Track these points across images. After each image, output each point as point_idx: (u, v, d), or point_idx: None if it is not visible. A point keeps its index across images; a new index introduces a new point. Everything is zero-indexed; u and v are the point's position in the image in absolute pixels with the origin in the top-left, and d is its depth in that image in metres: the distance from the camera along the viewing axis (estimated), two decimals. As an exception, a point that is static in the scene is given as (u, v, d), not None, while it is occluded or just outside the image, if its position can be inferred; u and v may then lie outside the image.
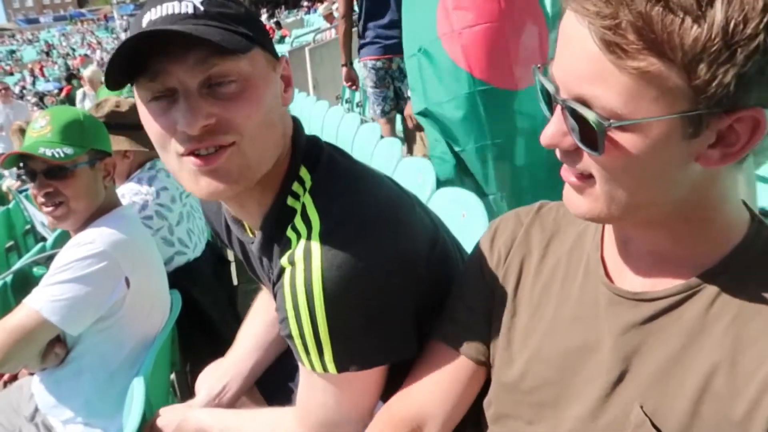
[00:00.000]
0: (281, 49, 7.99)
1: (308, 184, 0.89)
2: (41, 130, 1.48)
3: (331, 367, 0.85)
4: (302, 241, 0.84)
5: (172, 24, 0.76)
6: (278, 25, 17.37)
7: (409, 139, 4.14)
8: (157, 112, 0.80)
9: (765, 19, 0.50)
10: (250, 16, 0.84)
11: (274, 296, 0.91)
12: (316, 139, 0.96)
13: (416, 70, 2.42)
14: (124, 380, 1.42)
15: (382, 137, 3.32)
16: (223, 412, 1.19)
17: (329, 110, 4.64)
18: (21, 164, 1.49)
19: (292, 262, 0.84)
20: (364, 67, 3.96)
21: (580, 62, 0.57)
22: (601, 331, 0.71)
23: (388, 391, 0.93)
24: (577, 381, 0.72)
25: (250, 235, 0.98)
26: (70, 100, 10.26)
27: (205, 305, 2.08)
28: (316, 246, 0.83)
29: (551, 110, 0.64)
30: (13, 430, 1.54)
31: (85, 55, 30.19)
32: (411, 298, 0.88)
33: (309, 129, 0.97)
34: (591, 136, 0.58)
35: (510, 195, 2.30)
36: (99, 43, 43.31)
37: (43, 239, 3.07)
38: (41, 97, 15.56)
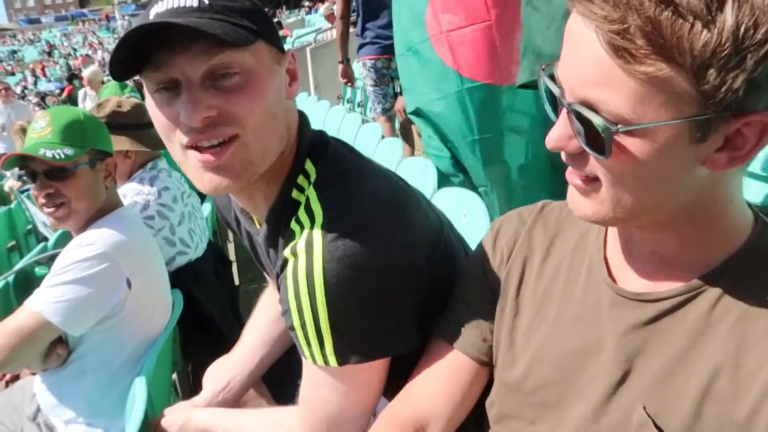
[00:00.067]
0: (282, 49, 7.92)
1: (313, 177, 0.90)
2: (41, 131, 1.48)
3: (332, 359, 0.86)
4: (305, 233, 0.85)
5: (176, 17, 0.77)
6: (279, 24, 17.38)
7: (405, 133, 4.20)
8: (162, 103, 0.82)
9: None
10: (255, 9, 0.84)
11: (278, 288, 0.92)
12: (322, 134, 0.97)
13: (406, 69, 2.51)
14: (126, 380, 1.43)
15: (383, 137, 3.33)
16: (226, 412, 1.19)
17: (330, 110, 4.65)
18: (22, 165, 1.49)
19: (294, 254, 0.85)
20: (363, 66, 4.01)
21: (587, 66, 0.56)
22: (604, 332, 0.71)
23: (389, 388, 0.93)
24: (579, 381, 0.72)
25: (258, 227, 1.00)
26: (71, 100, 10.27)
27: (207, 305, 2.08)
28: (318, 238, 0.83)
29: (556, 113, 0.64)
30: (15, 429, 1.55)
31: (87, 55, 30.22)
32: (412, 292, 0.88)
33: (309, 129, 0.97)
34: (597, 139, 0.57)
35: (500, 188, 2.38)
36: (101, 43, 43.33)
37: (45, 239, 3.08)
38: (43, 97, 15.56)
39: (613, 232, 0.75)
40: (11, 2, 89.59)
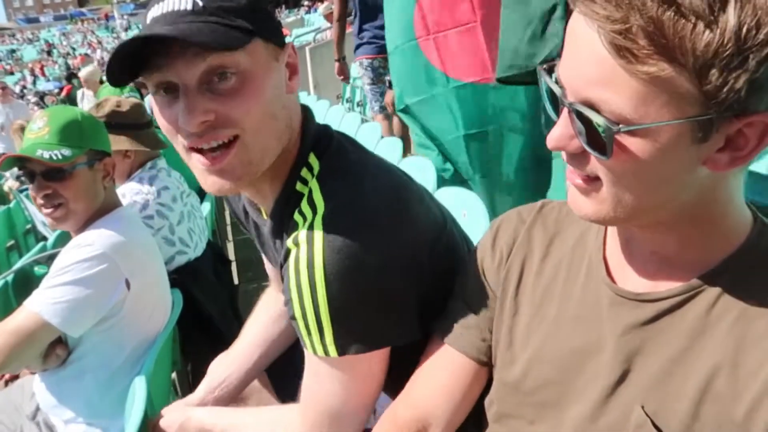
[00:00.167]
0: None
1: (316, 170, 0.91)
2: (39, 132, 1.47)
3: (331, 349, 0.86)
4: (307, 224, 0.86)
5: (171, 21, 0.79)
6: (278, 24, 17.31)
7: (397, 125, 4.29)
8: (162, 105, 0.83)
9: None
10: (251, 6, 0.84)
11: (282, 279, 0.94)
12: (327, 128, 0.98)
13: (395, 68, 2.64)
14: (125, 380, 1.43)
15: (382, 137, 3.33)
16: (225, 411, 1.19)
17: (330, 109, 4.66)
18: (20, 165, 1.48)
19: (296, 244, 0.86)
20: (360, 65, 4.12)
21: (589, 66, 0.56)
22: (603, 332, 0.71)
23: (389, 382, 0.93)
24: (578, 381, 0.72)
25: (265, 218, 1.01)
26: (70, 99, 10.26)
27: (206, 304, 2.08)
28: (319, 229, 0.85)
29: (557, 112, 0.64)
30: (14, 429, 1.55)
31: (86, 54, 30.19)
32: (412, 285, 0.89)
33: (310, 128, 0.98)
34: (599, 139, 0.57)
35: (487, 179, 2.50)
36: (99, 42, 43.29)
37: (44, 238, 3.07)
38: (42, 96, 15.54)
39: (612, 231, 0.75)
40: (10, 1, 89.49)
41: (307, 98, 6.03)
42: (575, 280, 0.76)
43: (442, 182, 2.37)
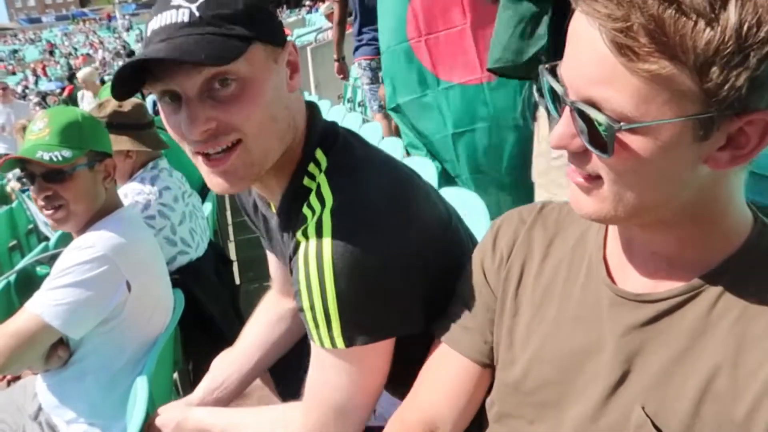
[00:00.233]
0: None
1: (324, 165, 0.93)
2: (39, 133, 1.47)
3: (339, 341, 0.88)
4: (316, 217, 0.88)
5: (169, 35, 0.81)
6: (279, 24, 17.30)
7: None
8: (168, 112, 0.86)
9: None
10: (248, 11, 0.85)
11: (291, 272, 0.95)
12: (333, 124, 1.01)
13: (388, 68, 2.77)
14: (127, 381, 1.43)
15: (383, 137, 3.33)
16: (224, 411, 1.19)
17: (331, 109, 4.66)
18: (21, 167, 1.48)
19: (306, 237, 0.88)
20: (359, 66, 4.21)
21: (590, 64, 0.56)
22: (603, 332, 0.71)
23: (391, 379, 0.94)
24: (578, 382, 0.72)
25: (273, 212, 1.03)
26: (72, 99, 10.27)
27: (208, 304, 2.08)
28: (327, 221, 0.87)
29: (559, 111, 0.64)
30: (17, 428, 1.55)
31: (88, 54, 30.21)
32: (417, 277, 0.90)
33: (311, 128, 0.98)
34: (600, 138, 0.58)
35: (476, 177, 2.62)
36: (101, 42, 43.33)
37: (46, 238, 3.08)
38: (44, 96, 15.55)
39: (613, 232, 0.75)
40: (12, 1, 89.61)
41: (308, 98, 6.02)
42: (575, 281, 0.76)
43: (443, 182, 2.38)
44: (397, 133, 4.37)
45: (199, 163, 0.87)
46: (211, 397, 1.27)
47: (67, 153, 1.44)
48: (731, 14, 0.50)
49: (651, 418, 0.64)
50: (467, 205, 1.72)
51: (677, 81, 0.53)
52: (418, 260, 0.90)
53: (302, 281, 0.88)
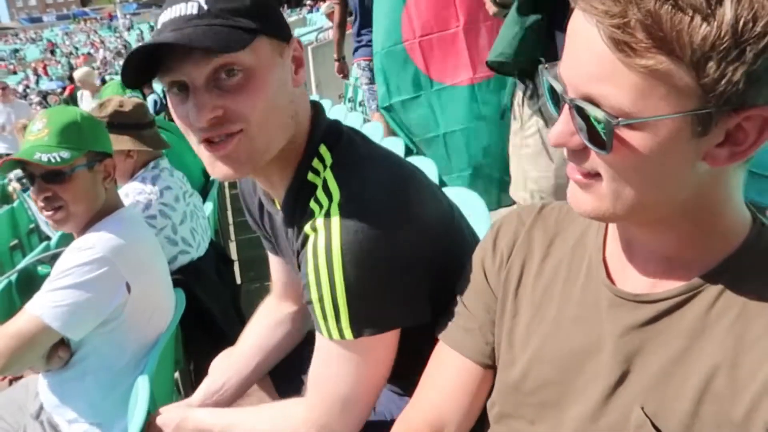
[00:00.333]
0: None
1: (328, 161, 0.95)
2: (38, 134, 1.46)
3: (347, 332, 0.89)
4: (324, 211, 0.90)
5: (178, 26, 0.84)
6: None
7: None
8: (175, 102, 0.88)
9: None
10: (255, 5, 0.88)
11: (298, 266, 0.97)
12: (337, 122, 1.03)
13: (381, 68, 2.89)
14: (128, 381, 1.43)
15: (384, 137, 3.34)
16: (224, 411, 1.19)
17: (332, 109, 4.67)
18: (22, 167, 1.48)
19: (314, 230, 0.90)
20: (358, 66, 4.28)
21: (588, 61, 0.57)
22: (603, 333, 0.71)
23: (397, 372, 0.95)
24: (578, 382, 0.72)
25: (278, 208, 1.05)
26: (73, 99, 10.29)
27: (209, 304, 2.09)
28: (335, 213, 0.89)
29: (559, 110, 0.64)
30: (18, 428, 1.55)
31: (89, 53, 30.22)
32: (423, 269, 0.92)
33: (312, 128, 0.99)
34: (599, 134, 0.58)
35: (467, 174, 2.75)
36: (102, 42, 43.34)
37: (47, 238, 3.09)
38: (45, 96, 15.58)
39: (613, 232, 0.75)
40: (13, 1, 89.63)
41: (309, 98, 6.02)
42: (575, 281, 0.77)
43: (443, 183, 2.40)
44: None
45: (203, 151, 0.90)
46: (210, 400, 1.28)
47: (65, 154, 1.43)
48: (727, 10, 0.50)
49: (650, 419, 0.65)
50: (469, 205, 1.72)
51: (674, 76, 0.53)
52: (424, 252, 0.92)
53: (311, 273, 0.90)
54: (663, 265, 0.68)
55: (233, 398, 1.29)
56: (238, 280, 3.32)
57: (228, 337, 1.53)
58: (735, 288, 0.63)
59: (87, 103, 7.11)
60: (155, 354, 1.47)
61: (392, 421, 0.91)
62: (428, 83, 2.76)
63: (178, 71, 0.85)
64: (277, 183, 1.00)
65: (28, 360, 1.41)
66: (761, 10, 0.50)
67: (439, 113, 2.77)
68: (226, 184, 5.17)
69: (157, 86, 9.63)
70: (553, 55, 1.80)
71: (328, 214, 0.89)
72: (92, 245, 1.38)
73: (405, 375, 0.94)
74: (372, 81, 4.27)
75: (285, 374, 1.34)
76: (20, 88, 20.76)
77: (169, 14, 0.86)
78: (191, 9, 0.85)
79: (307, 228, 0.92)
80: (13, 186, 4.40)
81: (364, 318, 0.89)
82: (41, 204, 1.45)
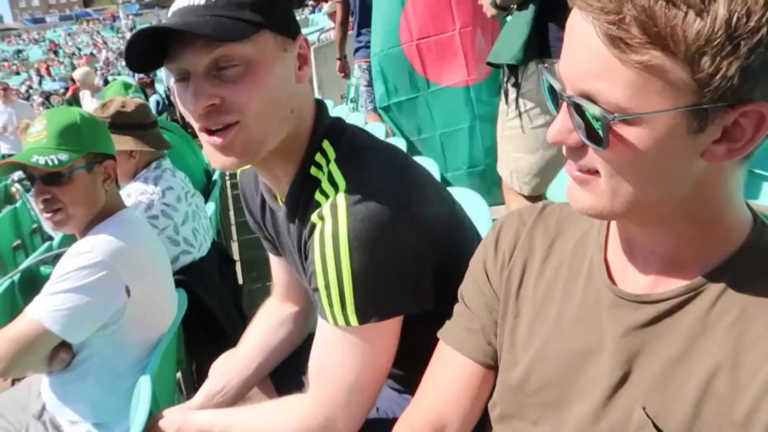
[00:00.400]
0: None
1: (332, 155, 0.97)
2: (38, 136, 1.45)
3: (353, 318, 0.91)
4: (330, 200, 0.92)
5: (185, 15, 0.88)
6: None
7: None
8: (180, 91, 0.91)
9: None
10: (262, 0, 0.90)
11: (304, 257, 0.99)
12: (340, 119, 1.04)
13: (380, 70, 3.01)
14: (129, 382, 1.42)
15: (387, 136, 3.35)
16: (225, 411, 1.19)
17: (334, 109, 4.68)
18: (22, 168, 1.48)
19: (321, 217, 0.92)
20: (359, 68, 4.34)
21: (585, 58, 0.57)
22: (604, 334, 0.71)
23: (400, 370, 0.96)
24: (579, 383, 0.72)
25: (280, 204, 1.06)
26: (76, 99, 10.29)
27: (211, 304, 2.09)
28: (342, 201, 0.90)
29: (557, 108, 0.64)
30: (20, 427, 1.56)
31: (91, 54, 30.28)
32: (427, 257, 0.94)
33: (313, 129, 1.01)
34: (596, 131, 0.58)
35: (462, 172, 2.86)
36: (105, 42, 43.43)
37: (50, 238, 3.09)
38: (47, 96, 15.59)
39: (614, 233, 0.75)
40: (16, 1, 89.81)
41: (311, 98, 6.03)
42: (576, 282, 0.76)
43: (444, 183, 2.44)
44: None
45: (204, 140, 0.92)
46: (211, 403, 1.28)
47: (63, 156, 1.42)
48: (720, 5, 0.50)
49: (652, 419, 0.64)
50: (470, 205, 1.72)
51: (669, 72, 0.53)
52: (428, 239, 0.94)
53: (318, 260, 0.91)
54: (664, 265, 0.68)
55: (234, 400, 1.29)
56: (240, 281, 3.33)
57: (230, 338, 1.53)
58: (735, 288, 0.63)
59: (87, 102, 7.15)
60: (157, 354, 1.47)
61: (394, 420, 0.91)
62: (425, 84, 2.87)
63: (181, 59, 0.87)
64: (280, 177, 1.01)
65: (29, 363, 1.42)
66: (754, 6, 0.50)
67: (436, 114, 2.88)
68: (228, 184, 5.17)
69: (160, 87, 9.64)
70: (543, 47, 1.94)
71: (334, 203, 0.90)
72: (91, 249, 1.37)
73: (407, 374, 0.95)
74: (370, 83, 4.33)
75: (286, 376, 1.34)
76: (23, 89, 20.78)
77: (178, 4, 0.89)
78: (199, 0, 0.88)
79: (314, 217, 0.93)
80: (16, 186, 4.41)
81: (370, 304, 0.90)
82: (41, 206, 1.45)
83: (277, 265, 1.33)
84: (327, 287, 0.91)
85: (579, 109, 0.59)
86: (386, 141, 1.07)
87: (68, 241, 2.18)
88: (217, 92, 0.87)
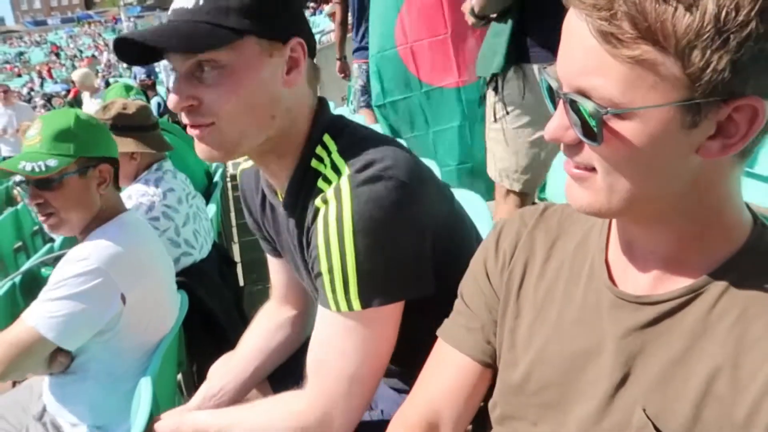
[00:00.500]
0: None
1: (333, 147, 0.98)
2: (32, 140, 1.45)
3: (355, 303, 0.91)
4: (334, 185, 0.93)
5: (175, 17, 0.91)
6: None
7: None
8: (171, 87, 0.95)
9: (757, 7, 0.51)
10: (249, 5, 0.90)
11: (306, 245, 1.00)
12: (341, 116, 1.08)
13: (376, 70, 3.15)
14: (129, 385, 1.42)
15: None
16: (221, 411, 1.19)
17: (335, 110, 4.67)
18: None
19: (325, 201, 0.93)
20: (358, 68, 4.43)
21: (580, 55, 0.58)
22: (604, 335, 0.71)
23: (398, 368, 0.96)
24: (580, 384, 0.72)
25: (280, 199, 1.06)
26: (77, 101, 10.32)
27: (212, 306, 2.09)
28: (345, 185, 0.91)
29: (555, 106, 0.65)
30: (20, 429, 1.56)
31: (93, 56, 30.33)
32: (429, 241, 0.95)
33: (315, 129, 1.03)
34: (591, 127, 0.59)
35: (452, 168, 3.00)
36: (106, 45, 43.49)
37: (51, 240, 3.10)
38: (49, 98, 15.63)
39: (615, 234, 0.75)
40: (18, 4, 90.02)
41: (312, 99, 6.03)
42: (577, 283, 0.76)
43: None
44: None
45: (188, 130, 0.96)
46: (207, 405, 1.27)
47: (52, 162, 1.40)
48: (709, 2, 0.51)
49: (652, 420, 0.64)
50: (469, 205, 1.73)
51: (661, 66, 0.54)
52: (430, 225, 0.95)
53: (321, 244, 0.92)
54: (664, 266, 0.68)
55: (231, 403, 1.28)
56: (241, 282, 3.33)
57: (230, 339, 1.53)
58: (736, 290, 0.63)
59: (87, 103, 7.19)
60: (158, 356, 1.47)
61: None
62: (418, 85, 3.01)
63: (170, 58, 0.92)
64: (277, 172, 1.03)
65: (27, 367, 1.42)
66: (743, 0, 0.51)
67: (428, 113, 3.02)
68: (229, 186, 5.18)
69: (161, 89, 9.67)
70: (522, 54, 2.08)
71: (338, 186, 0.91)
72: (87, 255, 1.37)
73: (407, 371, 0.95)
74: (366, 83, 4.44)
75: (284, 379, 1.33)
76: (25, 91, 20.84)
77: (175, 3, 0.92)
78: (189, 2, 0.90)
79: (317, 202, 0.94)
80: (18, 189, 4.42)
81: (373, 287, 0.91)
82: (35, 210, 1.45)
83: (275, 267, 1.33)
84: (330, 271, 0.91)
85: (575, 106, 0.60)
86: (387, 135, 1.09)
87: (69, 243, 2.19)
88: (195, 93, 0.91)
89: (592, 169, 0.63)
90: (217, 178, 3.24)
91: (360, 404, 0.97)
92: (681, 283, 0.66)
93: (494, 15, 2.11)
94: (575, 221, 0.82)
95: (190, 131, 0.95)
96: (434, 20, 2.90)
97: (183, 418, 1.20)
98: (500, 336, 0.84)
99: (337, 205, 0.90)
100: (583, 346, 0.73)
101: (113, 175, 1.53)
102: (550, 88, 0.65)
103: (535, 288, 0.81)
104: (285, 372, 1.34)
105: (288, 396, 1.04)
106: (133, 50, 0.92)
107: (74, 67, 27.19)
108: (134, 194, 2.01)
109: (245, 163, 1.24)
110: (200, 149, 0.96)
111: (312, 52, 1.01)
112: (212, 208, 2.65)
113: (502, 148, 2.23)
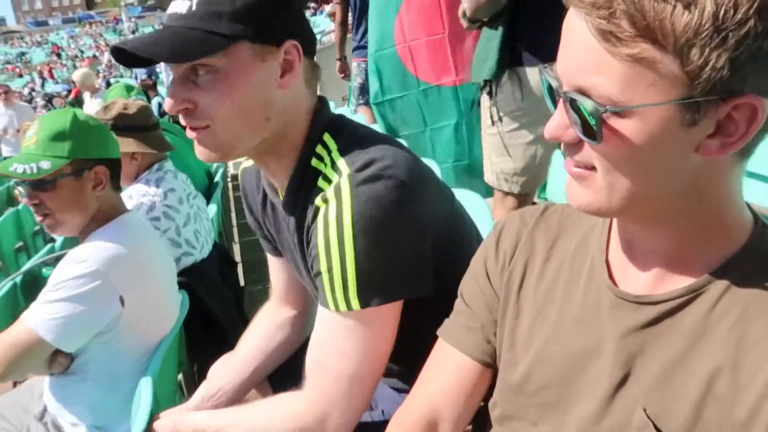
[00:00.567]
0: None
1: (333, 146, 0.98)
2: (29, 141, 1.45)
3: (354, 303, 0.91)
4: (334, 183, 0.93)
5: (169, 23, 0.92)
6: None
7: None
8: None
9: (755, 5, 0.51)
10: (242, 10, 0.91)
11: (306, 243, 1.00)
12: (342, 115, 1.07)
13: (375, 68, 3.21)
14: (129, 385, 1.42)
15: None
16: (220, 411, 1.19)
17: (335, 111, 4.68)
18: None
19: (325, 200, 0.93)
20: (357, 66, 4.50)
21: (579, 54, 0.58)
22: (604, 335, 0.71)
23: (398, 368, 0.96)
24: (580, 383, 0.72)
25: (280, 198, 1.07)
26: (78, 102, 10.33)
27: (212, 306, 2.09)
28: (345, 184, 0.91)
29: (555, 105, 0.65)
30: (21, 428, 1.56)
31: (94, 56, 30.37)
32: (429, 242, 0.95)
33: (315, 128, 1.03)
34: (591, 126, 0.59)
35: (448, 165, 3.03)
36: (107, 45, 43.52)
37: (52, 240, 3.10)
38: (50, 98, 15.64)
39: (616, 234, 0.75)
40: (19, 4, 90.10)
41: (313, 100, 6.04)
42: (577, 283, 0.76)
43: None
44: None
45: (189, 132, 0.97)
46: (206, 405, 1.27)
47: (45, 164, 1.40)
48: (708, 1, 0.51)
49: (652, 420, 0.64)
50: (469, 205, 1.73)
51: (660, 64, 0.54)
52: (430, 224, 0.95)
53: (321, 243, 0.92)
54: (664, 266, 0.68)
55: (230, 403, 1.27)
56: (242, 282, 3.34)
57: (231, 339, 1.53)
58: (736, 289, 0.63)
59: (88, 103, 7.22)
60: (158, 356, 1.47)
61: None
62: (416, 83, 3.07)
63: (166, 62, 0.94)
64: (277, 171, 1.03)
65: (26, 368, 1.42)
66: None
67: (426, 110, 3.08)
68: (230, 186, 5.18)
69: (162, 89, 9.68)
70: (516, 58, 2.12)
71: (338, 185, 0.92)
72: (86, 257, 1.37)
73: (406, 371, 0.95)
74: (364, 82, 4.48)
75: (284, 380, 1.33)
76: (26, 91, 20.88)
77: (171, 8, 0.93)
78: (182, 8, 0.91)
79: (317, 200, 0.94)
80: (18, 189, 4.42)
81: (372, 286, 0.91)
82: (33, 210, 1.45)
83: (276, 266, 1.33)
84: (330, 270, 0.91)
85: (574, 105, 0.60)
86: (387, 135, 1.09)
87: (70, 243, 2.19)
88: (190, 97, 0.92)
89: (592, 168, 0.63)
90: (217, 178, 3.24)
91: (359, 404, 0.97)
92: (681, 282, 0.66)
93: (486, 19, 2.14)
94: (575, 221, 0.82)
95: (189, 133, 0.96)
96: (432, 20, 2.95)
97: (182, 418, 1.20)
98: (500, 336, 0.84)
99: (337, 204, 0.90)
100: (583, 346, 0.73)
101: (110, 176, 1.51)
102: (550, 88, 0.66)
103: (535, 288, 0.81)
104: (285, 372, 1.34)
105: (287, 396, 1.04)
106: (130, 55, 0.92)
107: (75, 68, 27.21)
108: (135, 194, 2.01)
109: (246, 162, 1.24)
110: (198, 151, 0.97)
111: (311, 52, 1.01)
112: (213, 208, 2.66)
113: (498, 152, 2.26)
